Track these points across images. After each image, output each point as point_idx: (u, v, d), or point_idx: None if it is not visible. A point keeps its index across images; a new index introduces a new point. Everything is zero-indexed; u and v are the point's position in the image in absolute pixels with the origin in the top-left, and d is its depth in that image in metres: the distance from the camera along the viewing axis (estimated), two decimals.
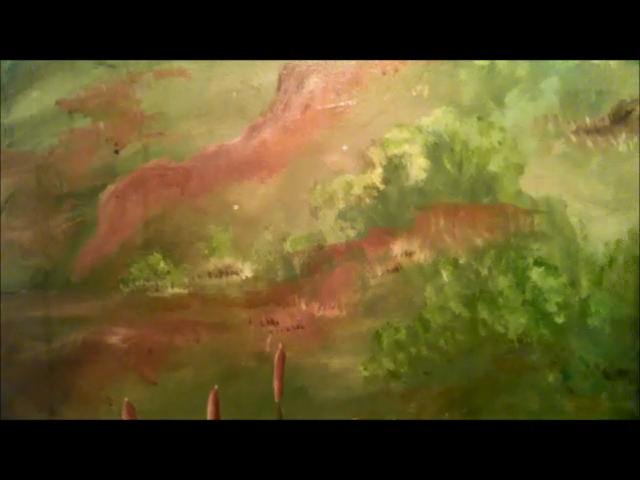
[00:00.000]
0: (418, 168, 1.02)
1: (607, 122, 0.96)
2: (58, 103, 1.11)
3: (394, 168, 1.03)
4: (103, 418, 1.10)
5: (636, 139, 0.95)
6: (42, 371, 1.14)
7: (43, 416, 1.13)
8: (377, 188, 1.04)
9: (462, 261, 1.02)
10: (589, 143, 0.97)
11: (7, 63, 1.12)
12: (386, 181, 1.03)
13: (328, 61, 1.04)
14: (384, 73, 1.03)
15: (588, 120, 0.97)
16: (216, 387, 1.04)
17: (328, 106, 1.04)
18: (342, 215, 1.06)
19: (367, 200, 1.04)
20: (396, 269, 1.04)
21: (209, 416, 1.04)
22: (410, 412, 1.04)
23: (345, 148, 1.04)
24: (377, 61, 1.02)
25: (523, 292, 0.99)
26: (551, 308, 0.98)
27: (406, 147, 1.02)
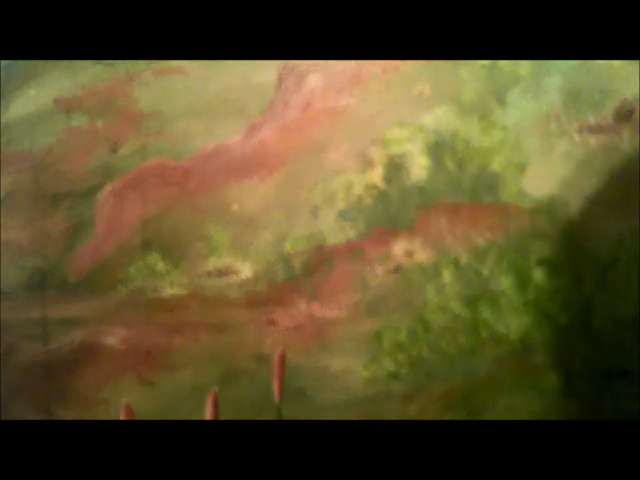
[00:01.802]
0: (419, 167, 1.02)
1: (610, 121, 0.95)
2: (56, 101, 1.11)
3: (395, 167, 1.03)
4: (101, 419, 1.10)
5: (638, 138, 0.95)
6: (39, 372, 1.14)
7: (40, 417, 1.13)
8: (378, 187, 1.03)
9: (463, 261, 1.01)
10: (592, 142, 0.97)
11: (5, 61, 1.12)
12: (387, 180, 1.02)
13: (327, 60, 1.04)
14: (384, 72, 1.03)
15: (591, 119, 0.97)
16: (215, 389, 1.04)
17: (328, 105, 1.04)
18: (342, 215, 1.05)
19: (368, 200, 1.04)
20: (397, 269, 1.04)
21: (207, 418, 1.03)
22: (411, 413, 1.04)
23: (345, 147, 1.04)
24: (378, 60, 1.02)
25: (525, 292, 0.99)
26: (553, 308, 0.98)
27: (407, 146, 1.02)
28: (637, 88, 0.94)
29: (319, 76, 1.05)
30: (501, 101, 1.00)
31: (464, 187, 1.01)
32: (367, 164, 1.03)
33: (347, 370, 1.07)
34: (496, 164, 0.99)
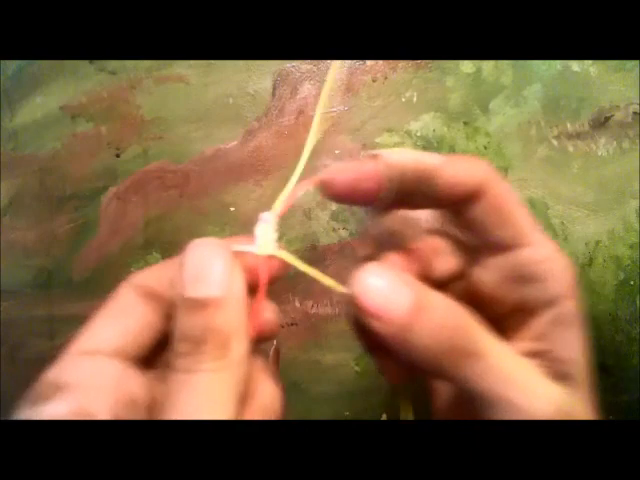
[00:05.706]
0: None
1: (587, 127, 0.98)
2: (61, 108, 1.13)
3: None
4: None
5: (615, 144, 0.97)
6: (45, 367, 1.17)
7: None
8: None
9: None
10: (570, 148, 0.99)
11: (11, 69, 1.14)
12: None
13: (321, 68, 1.06)
14: (374, 80, 1.05)
15: (569, 125, 0.99)
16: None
17: (321, 112, 1.06)
18: (334, 216, 1.07)
19: None
20: None
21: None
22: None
23: (337, 152, 1.06)
24: (367, 68, 1.04)
25: None
26: None
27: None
28: (613, 95, 0.97)
29: (312, 84, 1.07)
30: (484, 108, 1.02)
31: None
32: None
33: (339, 365, 1.08)
34: None
